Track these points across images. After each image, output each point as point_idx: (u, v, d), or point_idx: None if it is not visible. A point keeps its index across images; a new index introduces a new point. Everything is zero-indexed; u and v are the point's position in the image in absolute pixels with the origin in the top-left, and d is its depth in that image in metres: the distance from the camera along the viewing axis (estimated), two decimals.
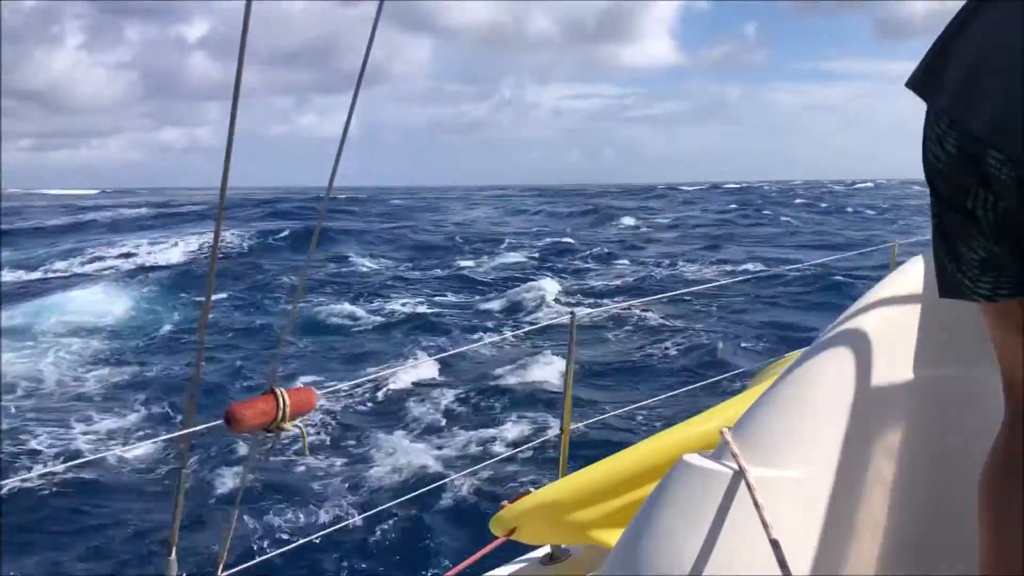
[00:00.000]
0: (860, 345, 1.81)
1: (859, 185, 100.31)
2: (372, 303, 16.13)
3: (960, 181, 1.36)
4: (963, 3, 1.39)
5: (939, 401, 1.94)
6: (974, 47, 1.31)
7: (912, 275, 1.95)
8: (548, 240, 29.31)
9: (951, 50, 1.35)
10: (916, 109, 1.47)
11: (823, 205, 53.10)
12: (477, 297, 17.07)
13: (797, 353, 4.15)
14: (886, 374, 1.81)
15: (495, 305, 15.66)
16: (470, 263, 22.72)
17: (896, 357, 1.84)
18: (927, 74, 1.38)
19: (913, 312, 1.90)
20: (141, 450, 7.39)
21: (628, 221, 39.82)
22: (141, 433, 8.32)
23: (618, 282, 18.91)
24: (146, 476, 7.38)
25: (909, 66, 1.48)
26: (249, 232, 27.23)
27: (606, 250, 25.70)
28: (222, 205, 1.96)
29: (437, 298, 16.89)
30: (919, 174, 1.46)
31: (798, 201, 56.58)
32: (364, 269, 21.87)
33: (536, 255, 24.67)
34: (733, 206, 51.16)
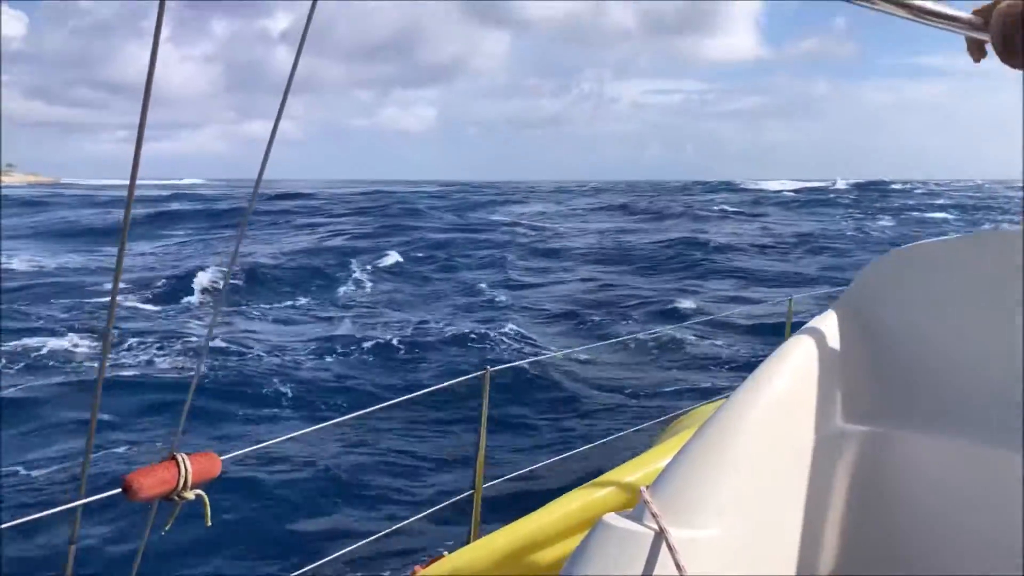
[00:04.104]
0: (775, 401, 1.85)
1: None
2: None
3: None
4: None
5: (851, 457, 2.00)
6: None
7: (824, 330, 2.02)
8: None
9: None
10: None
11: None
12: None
13: (707, 406, 4.24)
14: (800, 431, 1.86)
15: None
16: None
17: (809, 413, 1.89)
18: None
19: (825, 368, 1.95)
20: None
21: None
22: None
23: None
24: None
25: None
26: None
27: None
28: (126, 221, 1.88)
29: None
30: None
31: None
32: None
33: None
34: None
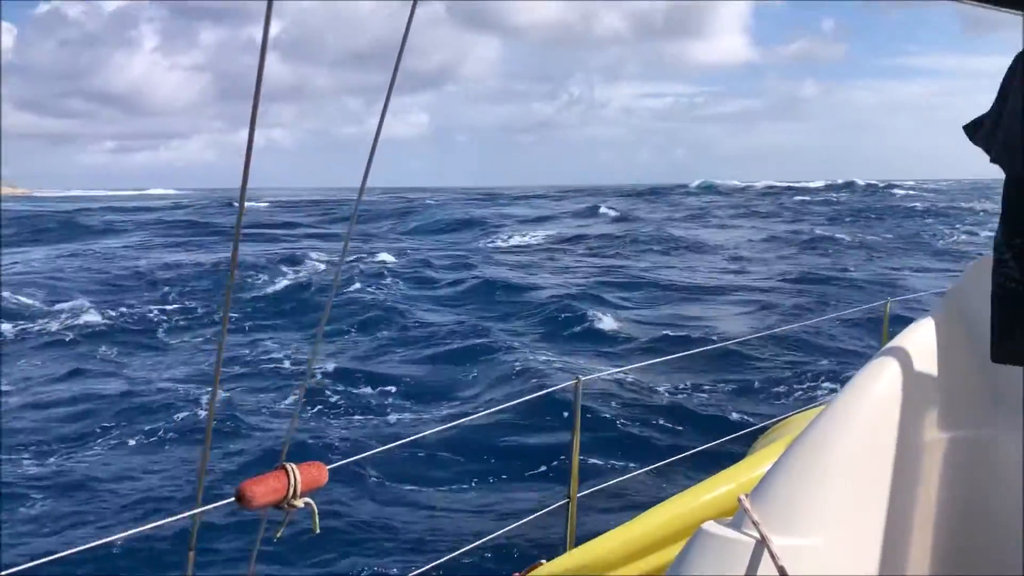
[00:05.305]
0: (875, 408, 1.81)
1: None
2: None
3: None
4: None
5: (953, 462, 1.95)
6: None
7: (923, 335, 1.97)
8: None
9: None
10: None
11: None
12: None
13: (802, 414, 4.15)
14: (901, 437, 1.82)
15: None
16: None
17: (910, 420, 1.85)
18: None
19: (925, 374, 1.91)
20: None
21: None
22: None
23: None
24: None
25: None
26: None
27: None
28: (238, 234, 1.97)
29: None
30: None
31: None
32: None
33: None
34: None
